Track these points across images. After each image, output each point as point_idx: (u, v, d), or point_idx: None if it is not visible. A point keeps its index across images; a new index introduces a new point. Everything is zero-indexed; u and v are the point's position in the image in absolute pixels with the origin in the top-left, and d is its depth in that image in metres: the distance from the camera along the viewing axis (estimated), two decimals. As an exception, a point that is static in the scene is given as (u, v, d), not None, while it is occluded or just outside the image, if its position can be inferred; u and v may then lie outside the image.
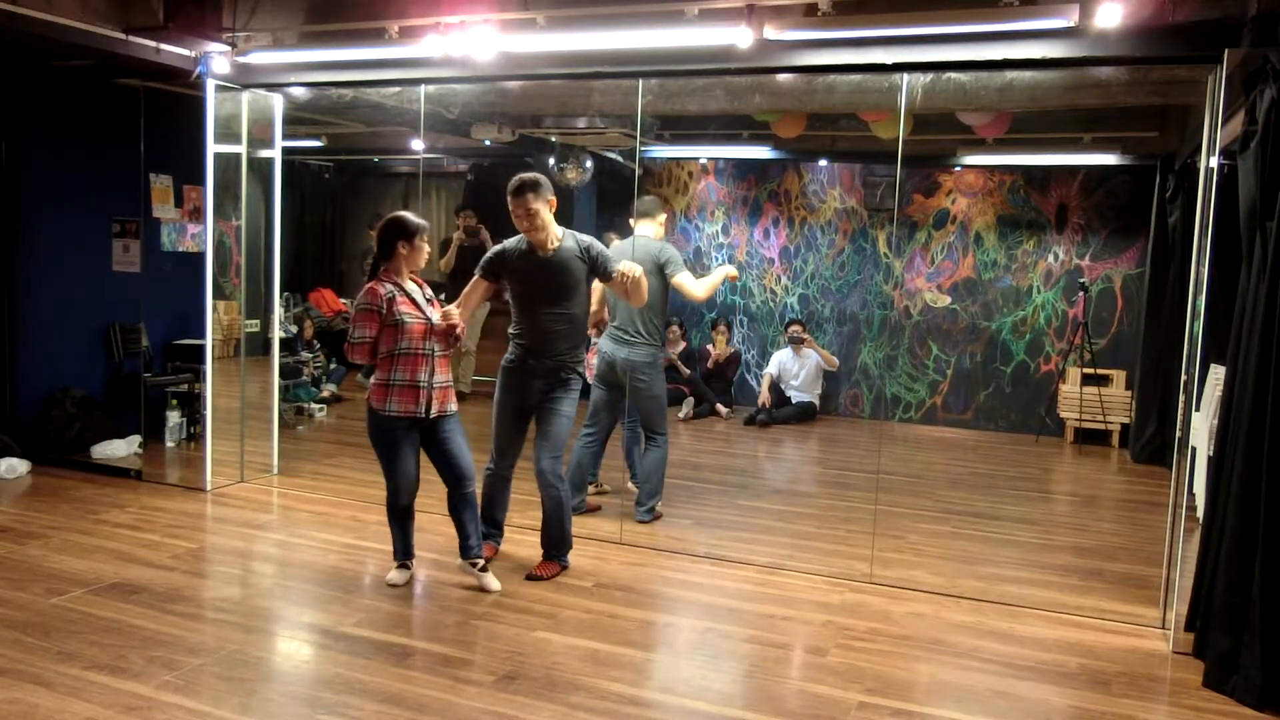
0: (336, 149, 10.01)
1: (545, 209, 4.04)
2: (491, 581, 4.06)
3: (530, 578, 4.21)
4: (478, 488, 4.21)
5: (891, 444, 7.94)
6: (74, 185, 6.23)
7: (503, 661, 3.37)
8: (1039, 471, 7.14)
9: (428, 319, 3.95)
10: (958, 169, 8.39)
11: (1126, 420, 7.78)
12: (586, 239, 4.18)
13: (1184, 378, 3.81)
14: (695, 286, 4.99)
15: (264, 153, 5.85)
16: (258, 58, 5.31)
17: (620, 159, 8.88)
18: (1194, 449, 3.86)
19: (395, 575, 4.13)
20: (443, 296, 9.23)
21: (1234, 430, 3.39)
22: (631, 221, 5.21)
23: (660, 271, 4.96)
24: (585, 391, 4.63)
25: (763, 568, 4.50)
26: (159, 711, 2.94)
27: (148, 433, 6.15)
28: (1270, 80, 3.24)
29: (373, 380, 3.97)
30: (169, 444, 6.40)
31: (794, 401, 8.56)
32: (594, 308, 4.94)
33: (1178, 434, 3.89)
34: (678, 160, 9.32)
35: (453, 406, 4.08)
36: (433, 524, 5.01)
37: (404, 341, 3.88)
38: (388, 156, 10.75)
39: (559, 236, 4.12)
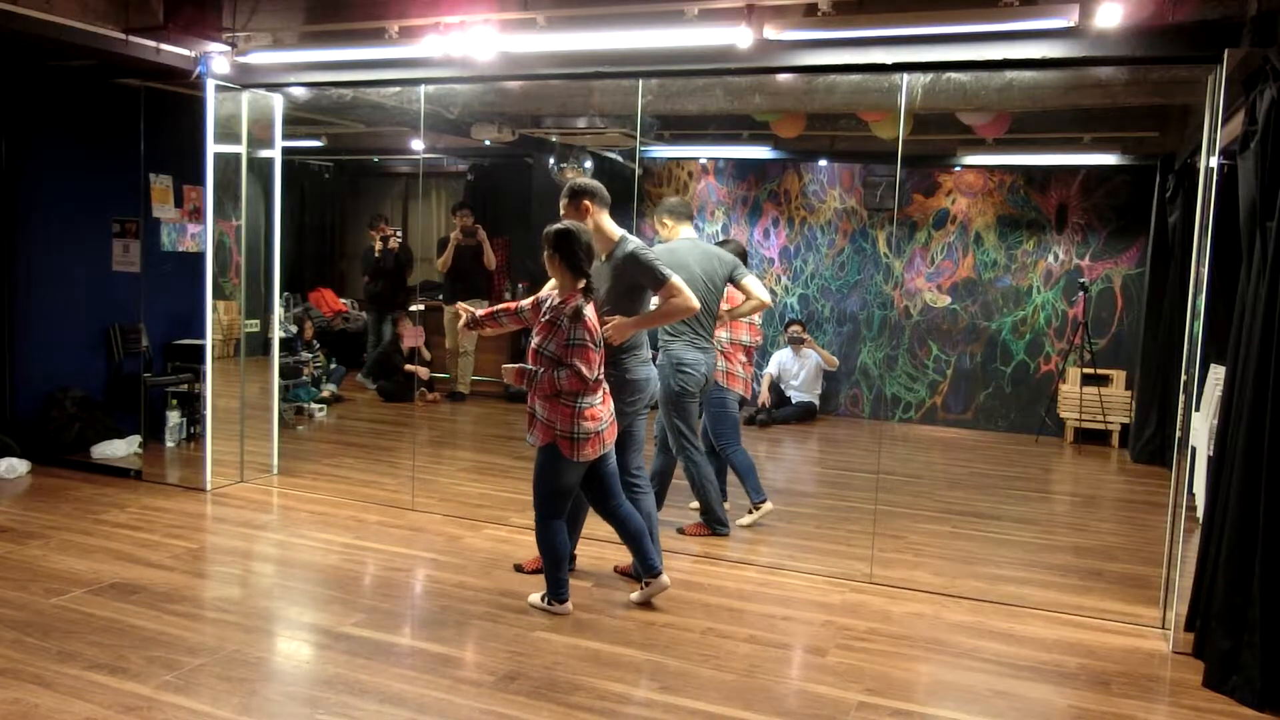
0: (336, 149, 10.02)
1: (574, 214, 4.00)
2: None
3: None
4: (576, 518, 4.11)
5: (891, 444, 7.94)
6: (74, 185, 6.23)
7: (503, 661, 3.37)
8: (1039, 471, 7.14)
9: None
10: (958, 169, 8.39)
11: (1126, 420, 7.78)
12: (632, 245, 4.03)
13: (1184, 378, 3.81)
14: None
15: (264, 153, 5.85)
16: (258, 58, 5.31)
17: (620, 159, 8.88)
18: (1194, 449, 3.87)
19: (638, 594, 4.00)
20: (440, 297, 9.28)
21: (1234, 430, 3.39)
22: (665, 221, 4.87)
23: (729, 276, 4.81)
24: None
25: (763, 568, 4.50)
26: (159, 711, 2.94)
27: (148, 433, 6.15)
28: (1270, 80, 3.24)
29: None
30: (169, 444, 6.40)
31: (794, 401, 8.56)
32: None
33: (1178, 434, 3.89)
34: (678, 160, 9.33)
35: (528, 437, 3.82)
36: (433, 524, 5.02)
37: None
38: (388, 156, 10.75)
39: (614, 240, 4.04)
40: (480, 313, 3.96)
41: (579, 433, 3.66)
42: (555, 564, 3.82)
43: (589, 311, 3.66)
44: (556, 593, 3.84)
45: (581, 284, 3.69)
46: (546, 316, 3.71)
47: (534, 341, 3.72)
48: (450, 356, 8.87)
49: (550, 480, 3.75)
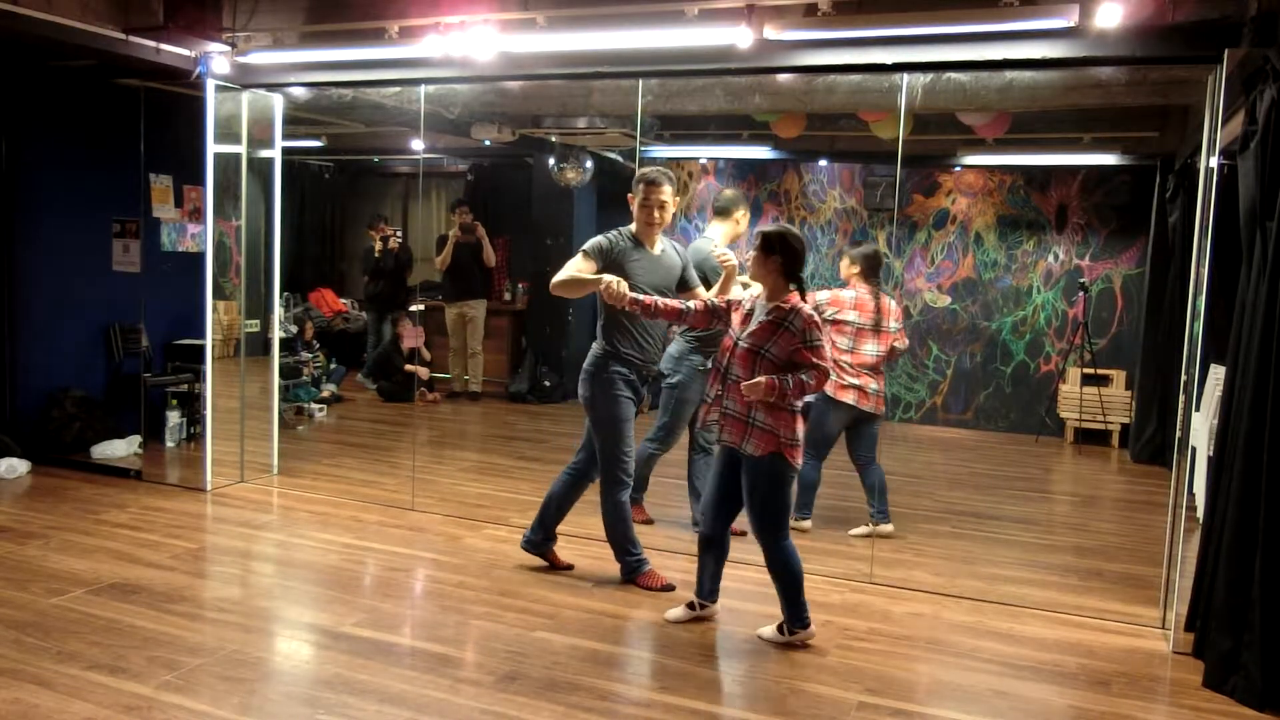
0: (336, 149, 10.01)
1: (672, 204, 4.09)
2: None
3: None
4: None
5: (891, 444, 7.93)
6: (74, 185, 6.23)
7: (503, 661, 3.37)
8: (1039, 471, 7.14)
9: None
10: (958, 169, 8.39)
11: (1126, 420, 7.78)
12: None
13: (1184, 378, 3.82)
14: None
15: (264, 153, 5.85)
16: (258, 58, 5.31)
17: (620, 159, 8.87)
18: (1194, 449, 3.87)
19: (675, 612, 3.84)
20: (440, 297, 9.28)
21: (1234, 430, 3.39)
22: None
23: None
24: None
25: (762, 567, 4.49)
26: (159, 711, 2.94)
27: (148, 433, 6.15)
28: (1270, 80, 3.24)
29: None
30: (169, 444, 6.40)
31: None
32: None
33: (1178, 434, 3.89)
34: (678, 160, 9.32)
35: (745, 446, 3.57)
36: (433, 524, 5.02)
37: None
38: (388, 156, 10.75)
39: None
40: (644, 299, 3.73)
41: (798, 439, 3.55)
42: (799, 586, 3.62)
43: (813, 312, 3.56)
44: (800, 617, 3.62)
45: (793, 288, 3.57)
46: (768, 317, 3.54)
47: (747, 343, 3.53)
48: (458, 355, 8.88)
49: (781, 494, 3.56)
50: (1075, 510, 6.12)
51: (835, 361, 4.87)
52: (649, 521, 5.04)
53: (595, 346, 4.15)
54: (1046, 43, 3.91)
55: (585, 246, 4.06)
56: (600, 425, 4.07)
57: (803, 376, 3.45)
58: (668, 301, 3.79)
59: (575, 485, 4.28)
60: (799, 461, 3.57)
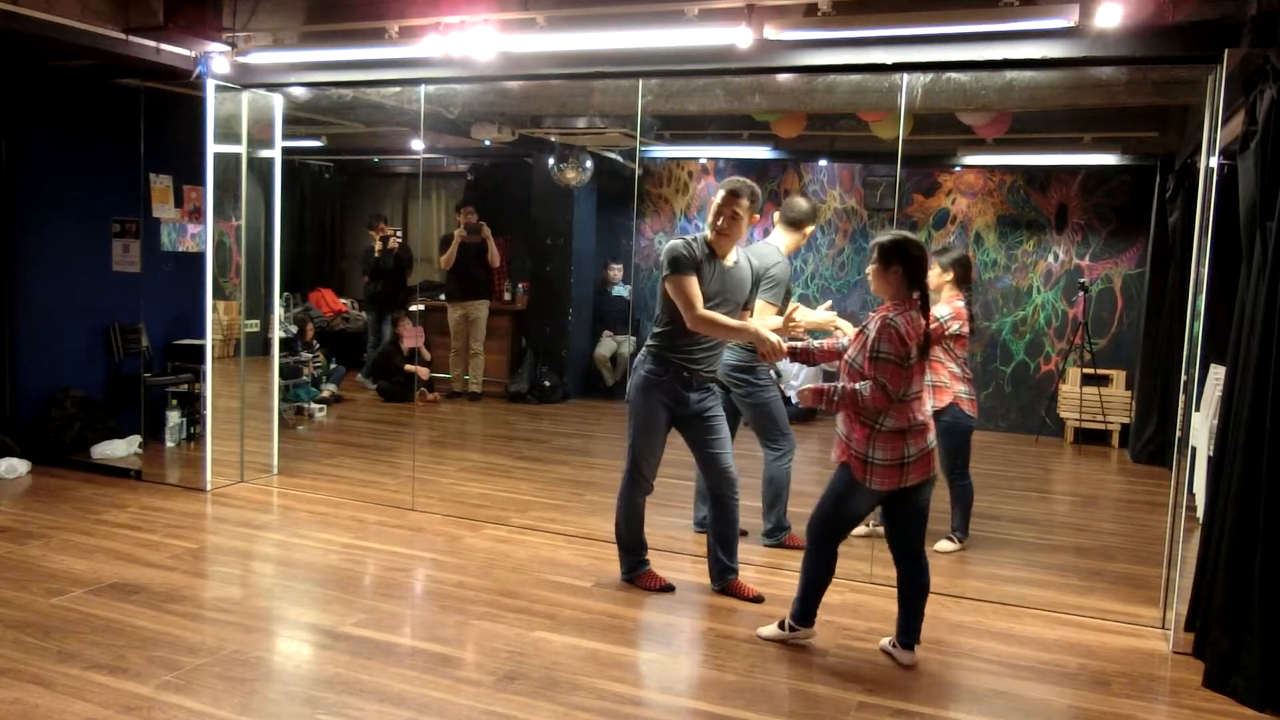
0: (336, 149, 10.02)
1: (746, 219, 3.96)
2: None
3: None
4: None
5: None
6: (74, 185, 6.23)
7: (503, 661, 3.37)
8: (1039, 471, 7.14)
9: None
10: (958, 169, 8.39)
11: (1126, 420, 7.78)
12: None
13: (1184, 378, 3.82)
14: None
15: (264, 153, 5.85)
16: (258, 58, 5.31)
17: (620, 159, 8.88)
18: (1194, 449, 3.87)
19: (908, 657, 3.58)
20: (442, 296, 9.29)
21: (1234, 430, 3.39)
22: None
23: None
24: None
25: (762, 567, 4.50)
26: (159, 711, 2.94)
27: (148, 433, 6.15)
28: (1270, 80, 3.24)
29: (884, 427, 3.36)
30: (169, 444, 6.40)
31: (794, 402, 8.55)
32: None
33: (1178, 434, 3.89)
34: (678, 160, 9.32)
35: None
36: (433, 524, 5.02)
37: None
38: (388, 156, 10.76)
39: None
40: (800, 348, 3.75)
41: (872, 458, 3.36)
42: (819, 590, 3.59)
43: (900, 323, 3.31)
44: (807, 615, 3.60)
45: (916, 296, 3.39)
46: (864, 325, 3.45)
47: (848, 355, 3.46)
48: (459, 355, 8.88)
49: (836, 501, 3.47)
50: (1075, 510, 6.12)
51: (955, 375, 4.74)
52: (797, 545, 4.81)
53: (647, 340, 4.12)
54: (1046, 43, 3.91)
55: (676, 265, 3.83)
56: (630, 420, 4.08)
57: (856, 386, 3.31)
58: (823, 344, 3.73)
59: (716, 511, 4.12)
60: (871, 482, 3.35)
